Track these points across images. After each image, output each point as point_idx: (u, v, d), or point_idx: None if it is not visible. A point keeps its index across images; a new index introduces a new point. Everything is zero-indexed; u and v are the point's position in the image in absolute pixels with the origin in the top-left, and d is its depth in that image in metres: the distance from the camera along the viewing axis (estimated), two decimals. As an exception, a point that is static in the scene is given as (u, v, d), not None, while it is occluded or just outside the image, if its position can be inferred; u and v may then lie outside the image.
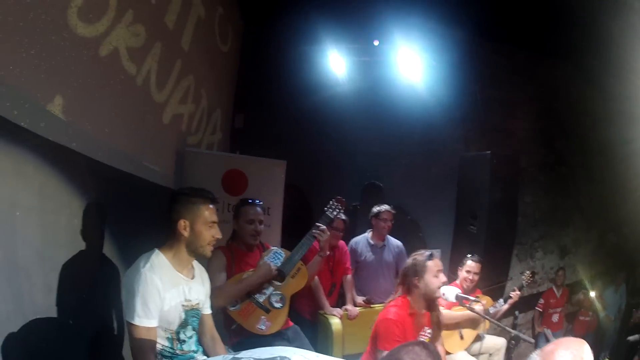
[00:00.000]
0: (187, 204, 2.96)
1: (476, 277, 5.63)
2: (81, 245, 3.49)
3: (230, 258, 4.11)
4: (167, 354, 2.91)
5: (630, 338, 6.38)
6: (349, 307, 5.67)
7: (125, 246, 4.04)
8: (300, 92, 7.57)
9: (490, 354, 5.48)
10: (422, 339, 4.00)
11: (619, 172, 7.75)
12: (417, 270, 3.98)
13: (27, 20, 2.60)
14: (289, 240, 5.53)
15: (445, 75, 7.70)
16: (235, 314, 3.95)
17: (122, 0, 3.69)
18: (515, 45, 8.12)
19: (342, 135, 7.62)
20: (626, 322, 8.22)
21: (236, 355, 1.81)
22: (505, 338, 5.41)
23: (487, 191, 6.90)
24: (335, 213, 4.57)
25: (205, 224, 2.97)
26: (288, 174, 6.06)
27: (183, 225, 2.91)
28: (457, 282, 5.62)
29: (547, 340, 7.71)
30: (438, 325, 4.14)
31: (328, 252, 4.81)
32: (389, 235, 6.19)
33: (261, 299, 4.04)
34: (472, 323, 5.29)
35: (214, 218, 3.03)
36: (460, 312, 5.15)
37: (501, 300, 5.65)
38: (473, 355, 5.25)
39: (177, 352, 2.95)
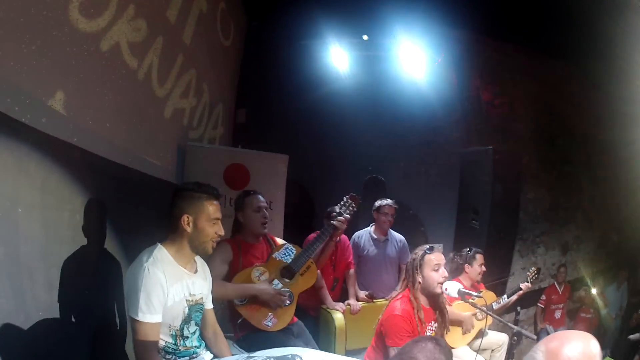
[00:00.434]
0: (191, 199, 2.93)
1: (485, 268, 5.63)
2: (83, 240, 3.49)
3: (238, 251, 4.06)
4: (170, 349, 2.89)
5: (631, 337, 6.37)
6: (352, 301, 5.66)
7: (127, 241, 4.04)
8: (303, 86, 7.56)
9: (493, 350, 5.47)
10: (429, 334, 3.99)
11: (621, 172, 7.75)
12: (416, 265, 3.97)
13: (28, 15, 2.60)
14: (291, 234, 5.54)
15: (448, 71, 7.69)
16: (242, 309, 3.92)
17: (124, -6, 3.69)
18: (518, 44, 8.10)
19: (344, 129, 7.61)
20: (627, 321, 8.22)
21: (251, 355, 1.82)
22: (508, 334, 5.40)
23: (488, 187, 6.90)
24: (348, 212, 4.51)
25: (209, 221, 2.94)
26: (290, 168, 6.06)
27: (186, 221, 2.89)
28: (461, 277, 5.60)
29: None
30: (444, 322, 4.11)
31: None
32: (391, 229, 6.18)
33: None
34: (471, 325, 5.29)
35: (218, 215, 2.99)
36: (463, 313, 5.15)
37: (504, 296, 5.63)
38: (475, 351, 5.24)
39: (180, 347, 2.94)
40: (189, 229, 2.90)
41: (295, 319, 4.26)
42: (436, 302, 4.04)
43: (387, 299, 5.44)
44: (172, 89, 5.15)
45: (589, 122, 8.12)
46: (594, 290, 8.36)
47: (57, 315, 3.12)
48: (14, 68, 2.56)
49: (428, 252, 3.98)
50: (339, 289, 5.85)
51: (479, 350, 5.11)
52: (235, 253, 4.03)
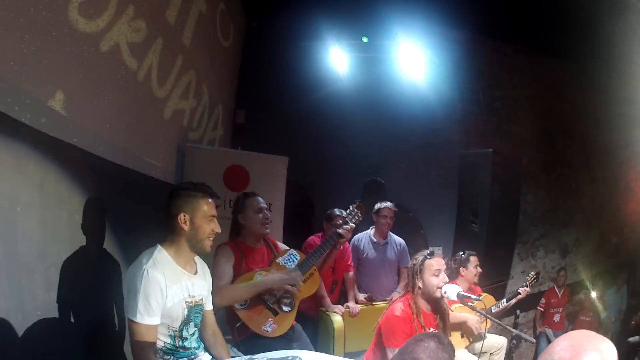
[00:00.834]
0: (187, 198, 2.95)
1: (480, 270, 5.63)
2: (82, 240, 3.49)
3: (240, 255, 4.01)
4: (169, 350, 2.90)
5: (631, 339, 6.37)
6: (351, 304, 5.66)
7: (126, 241, 4.03)
8: (302, 88, 7.56)
9: (491, 353, 5.46)
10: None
11: (621, 173, 7.76)
12: (416, 270, 3.97)
13: (28, 16, 2.60)
14: (290, 235, 5.53)
15: (447, 73, 7.69)
16: (242, 313, 3.87)
17: (124, -5, 3.69)
18: (518, 45, 8.10)
19: (343, 131, 7.62)
20: (627, 324, 8.21)
21: (252, 357, 1.83)
22: (506, 337, 5.40)
23: (488, 189, 6.89)
24: (354, 221, 4.48)
25: (205, 218, 2.95)
26: (289, 170, 6.05)
27: (183, 219, 2.90)
28: (458, 280, 5.59)
29: (549, 341, 7.71)
30: (445, 327, 4.10)
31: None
32: (391, 232, 6.18)
33: (271, 301, 3.97)
34: (471, 332, 5.28)
35: (213, 212, 3.01)
36: (462, 314, 5.14)
37: (504, 300, 5.62)
38: (474, 354, 5.23)
39: (179, 349, 2.94)
40: (186, 227, 2.91)
41: (294, 322, 4.24)
42: (437, 307, 4.03)
43: (387, 301, 5.45)
44: (172, 90, 5.15)
45: (588, 123, 8.12)
46: (593, 294, 8.36)
47: (55, 315, 3.12)
48: (13, 68, 2.56)
49: (428, 257, 3.99)
50: (338, 291, 5.85)
51: (479, 354, 5.11)
52: (238, 256, 3.99)
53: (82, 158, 3.44)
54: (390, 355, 3.70)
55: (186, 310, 2.94)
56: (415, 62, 7.51)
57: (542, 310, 8.24)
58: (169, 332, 2.88)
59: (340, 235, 4.32)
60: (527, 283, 5.75)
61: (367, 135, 7.73)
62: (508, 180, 7.07)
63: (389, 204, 6.03)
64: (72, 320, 3.32)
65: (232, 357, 3.37)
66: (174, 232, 2.95)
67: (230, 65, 7.74)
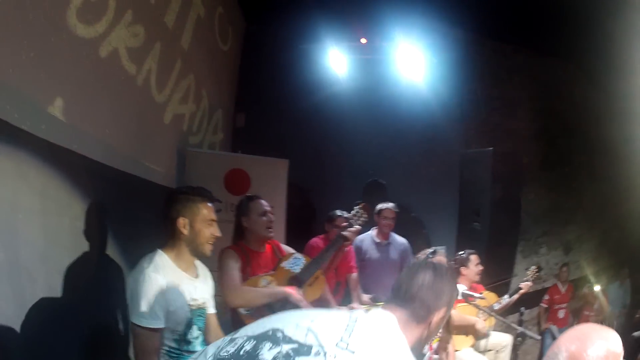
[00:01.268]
0: (186, 202, 2.94)
1: (481, 267, 5.62)
2: (84, 246, 3.49)
3: (245, 259, 3.96)
4: (174, 354, 2.89)
5: (635, 334, 6.35)
6: (355, 305, 5.64)
7: (128, 246, 4.03)
8: (301, 90, 7.56)
9: (497, 351, 5.46)
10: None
11: (622, 169, 7.73)
12: None
13: (26, 22, 2.60)
14: (292, 237, 5.52)
15: (447, 73, 7.68)
16: (248, 317, 3.85)
17: (121, 0, 3.69)
18: (517, 43, 8.10)
19: (344, 133, 7.61)
20: (631, 318, 8.20)
21: (233, 336, 1.78)
22: (512, 334, 5.40)
23: (489, 188, 6.89)
24: (360, 222, 4.46)
25: (204, 222, 2.95)
26: (290, 172, 6.05)
27: (182, 224, 2.89)
28: (462, 279, 5.59)
29: (553, 337, 7.68)
30: (447, 326, 4.09)
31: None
32: (394, 233, 6.18)
33: (277, 306, 3.96)
34: (475, 330, 5.28)
35: (213, 216, 3.01)
36: (471, 317, 5.14)
37: (506, 296, 5.62)
38: (479, 352, 5.23)
39: (184, 352, 2.94)
40: (185, 232, 2.90)
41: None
42: None
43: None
44: (171, 95, 5.16)
45: (588, 120, 8.11)
46: (597, 288, 8.35)
47: (58, 320, 3.11)
48: (12, 75, 2.56)
49: (431, 256, 3.98)
50: (342, 292, 5.84)
51: (484, 351, 5.11)
52: (243, 260, 3.95)
53: (82, 164, 3.44)
54: None
55: (189, 313, 2.93)
56: (414, 63, 7.51)
57: (546, 306, 8.23)
58: (173, 335, 2.87)
59: (346, 238, 4.31)
60: (529, 277, 5.75)
61: (368, 137, 7.73)
62: (509, 179, 7.08)
63: (390, 204, 6.03)
64: (76, 325, 3.32)
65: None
66: (174, 236, 2.94)
67: (230, 68, 7.75)
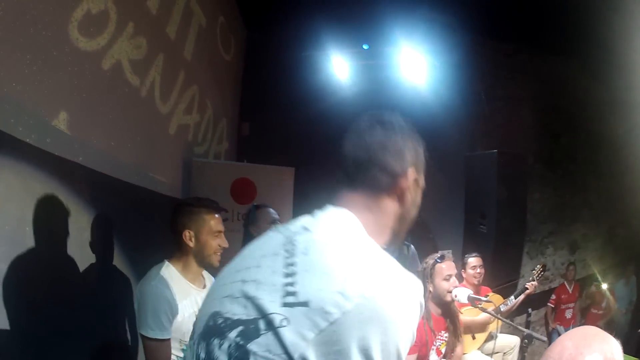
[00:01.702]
0: (191, 214, 2.94)
1: (482, 270, 5.60)
2: (91, 258, 3.50)
3: None
4: (182, 364, 2.90)
5: (642, 330, 6.33)
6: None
7: (135, 257, 4.04)
8: (305, 98, 7.57)
9: (505, 353, 5.45)
10: (438, 343, 3.98)
11: (627, 165, 7.72)
12: (427, 274, 3.96)
13: (27, 36, 2.62)
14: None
15: (449, 75, 7.68)
16: None
17: (122, 13, 3.71)
18: (518, 42, 8.10)
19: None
20: (638, 315, 8.18)
21: (191, 338, 1.39)
22: (519, 336, 5.38)
23: (494, 190, 6.87)
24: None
25: (211, 234, 2.94)
26: (296, 180, 6.06)
27: (188, 236, 2.90)
28: (464, 283, 5.57)
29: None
30: (455, 330, 4.08)
31: None
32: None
33: None
34: (482, 326, 5.26)
35: (220, 227, 3.00)
36: (472, 317, 5.13)
37: (512, 297, 5.60)
38: (487, 355, 5.21)
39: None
40: (191, 244, 2.90)
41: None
42: (447, 311, 4.03)
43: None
44: (176, 105, 5.18)
45: (591, 117, 8.11)
46: (604, 286, 8.33)
47: (67, 332, 3.12)
48: (15, 89, 2.57)
49: (439, 261, 3.98)
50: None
51: (492, 354, 5.10)
52: None
53: (88, 176, 3.45)
54: None
55: (196, 324, 2.94)
56: (416, 67, 7.51)
57: (553, 306, 8.22)
58: (181, 346, 2.88)
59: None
60: (534, 277, 5.73)
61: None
62: (514, 180, 7.05)
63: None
64: (84, 337, 3.33)
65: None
66: (181, 248, 2.95)
67: (233, 78, 7.77)
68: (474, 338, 5.26)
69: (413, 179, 1.46)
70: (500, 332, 5.55)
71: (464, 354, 5.09)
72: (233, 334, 1.17)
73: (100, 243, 3.61)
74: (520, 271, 7.51)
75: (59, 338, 3.00)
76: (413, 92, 7.66)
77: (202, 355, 1.24)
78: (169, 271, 2.88)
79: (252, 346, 1.12)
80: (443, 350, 4.04)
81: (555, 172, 8.49)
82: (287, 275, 1.18)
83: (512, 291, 5.60)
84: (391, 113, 1.54)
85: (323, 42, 7.37)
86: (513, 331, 5.56)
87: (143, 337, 2.72)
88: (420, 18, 6.96)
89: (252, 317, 1.16)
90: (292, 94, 7.59)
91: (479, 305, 4.09)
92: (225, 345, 1.17)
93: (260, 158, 6.60)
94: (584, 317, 8.44)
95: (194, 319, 2.79)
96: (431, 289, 3.92)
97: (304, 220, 1.39)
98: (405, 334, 1.16)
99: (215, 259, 2.99)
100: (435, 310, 3.97)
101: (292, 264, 1.20)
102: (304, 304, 1.11)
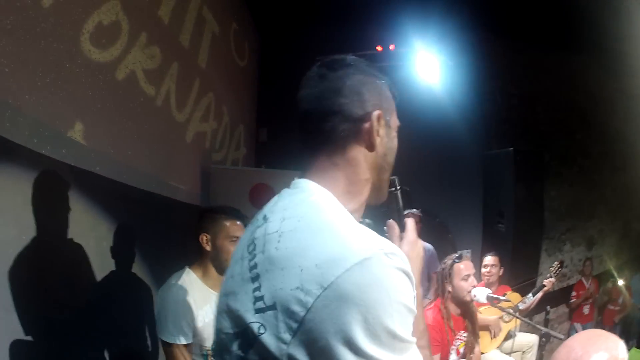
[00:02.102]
0: (210, 219, 2.98)
1: (494, 270, 5.57)
2: (111, 266, 3.53)
3: None
4: (203, 370, 2.92)
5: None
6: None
7: (156, 265, 4.08)
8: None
9: (524, 352, 5.41)
10: (458, 343, 3.97)
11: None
12: (445, 275, 3.96)
13: (38, 49, 2.66)
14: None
15: (463, 75, 7.65)
16: None
17: (134, 23, 3.75)
18: (531, 39, 8.05)
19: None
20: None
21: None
22: (537, 334, 5.34)
23: (512, 188, 6.85)
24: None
25: (227, 238, 2.95)
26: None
27: (205, 240, 2.93)
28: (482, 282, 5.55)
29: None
30: (474, 330, 4.07)
31: None
32: (419, 239, 6.13)
33: None
34: (498, 325, 5.23)
35: (238, 233, 2.96)
36: (489, 317, 5.10)
37: (530, 295, 5.56)
38: (506, 354, 5.18)
39: (212, 368, 2.96)
40: (208, 248, 2.93)
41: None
42: (466, 311, 4.02)
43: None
44: (192, 114, 5.21)
45: (605, 111, 8.08)
46: (620, 282, 8.25)
47: (88, 339, 3.16)
48: (29, 101, 2.61)
49: (457, 261, 3.98)
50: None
51: (510, 353, 5.07)
52: None
53: (105, 186, 3.49)
54: None
55: (216, 330, 2.95)
56: (430, 67, 7.49)
57: (579, 302, 8.17)
58: (201, 351, 2.91)
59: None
60: (552, 273, 5.68)
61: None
62: (531, 178, 7.02)
63: (413, 210, 6.00)
64: (105, 344, 3.36)
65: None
66: (201, 254, 2.99)
67: (249, 84, 7.80)
68: (493, 337, 5.23)
69: (380, 121, 1.32)
70: (519, 331, 5.52)
71: (483, 353, 5.07)
72: (234, 348, 1.14)
73: (120, 251, 3.64)
74: (538, 269, 7.47)
75: (79, 346, 3.04)
76: (428, 93, 7.63)
77: None
78: (190, 277, 2.91)
79: (251, 356, 1.09)
80: (462, 350, 4.02)
81: (571, 168, 8.46)
82: (253, 279, 1.13)
83: (531, 289, 5.56)
84: (344, 55, 1.38)
85: (336, 45, 7.37)
86: (532, 330, 5.53)
87: (163, 342, 2.75)
88: (432, 18, 6.94)
89: (240, 330, 1.13)
90: (307, 99, 7.60)
91: (498, 305, 4.07)
92: (234, 356, 1.14)
93: (278, 163, 6.61)
94: (601, 314, 8.38)
95: (214, 324, 2.82)
96: (450, 289, 3.91)
97: (268, 206, 1.31)
98: (392, 309, 1.01)
99: None
100: (454, 310, 3.96)
101: (254, 267, 1.15)
102: (272, 307, 1.05)
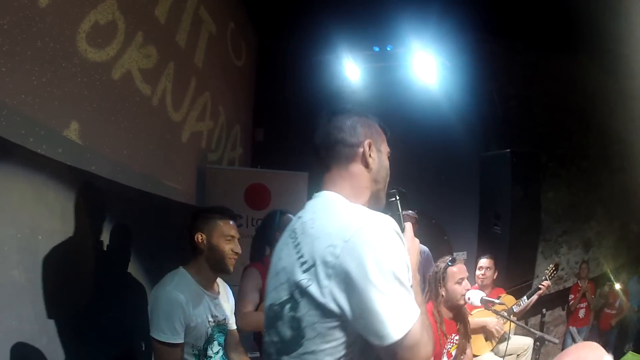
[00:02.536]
0: (204, 219, 2.99)
1: (488, 272, 5.57)
2: (106, 265, 3.53)
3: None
4: (194, 369, 2.92)
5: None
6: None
7: (151, 264, 4.07)
8: (318, 102, 7.56)
9: (518, 355, 5.41)
10: (449, 346, 3.97)
11: (638, 161, 7.67)
12: (439, 278, 3.94)
13: (35, 48, 2.65)
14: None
15: (460, 76, 7.65)
16: None
17: (131, 23, 3.75)
18: (528, 40, 8.06)
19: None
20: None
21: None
22: (532, 337, 5.35)
23: (509, 190, 6.85)
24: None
25: (222, 237, 2.97)
26: (310, 185, 6.05)
27: (200, 239, 2.93)
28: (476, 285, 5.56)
29: (574, 340, 7.62)
30: (466, 332, 4.07)
31: None
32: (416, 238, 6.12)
33: None
34: (490, 332, 5.23)
35: (232, 233, 3.02)
36: (481, 319, 5.09)
37: (524, 298, 5.56)
38: (500, 356, 5.18)
39: (204, 367, 2.97)
40: (203, 247, 2.93)
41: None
42: (458, 314, 4.01)
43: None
44: (188, 113, 5.20)
45: (602, 113, 8.08)
46: (617, 286, 8.25)
47: (81, 338, 3.15)
48: (25, 100, 2.61)
49: (450, 264, 3.96)
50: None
51: (504, 355, 5.06)
52: (265, 280, 3.95)
53: (101, 185, 3.49)
54: None
55: (210, 329, 2.96)
56: (428, 68, 7.50)
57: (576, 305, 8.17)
58: (193, 351, 2.91)
59: None
60: (547, 276, 5.69)
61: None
62: (528, 180, 7.02)
63: (409, 211, 6.00)
64: (98, 343, 3.36)
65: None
66: (195, 253, 2.99)
67: (245, 84, 7.79)
68: (486, 340, 5.23)
69: (371, 147, 1.82)
70: (514, 334, 5.52)
71: (476, 356, 5.06)
72: (286, 312, 1.62)
73: (116, 250, 3.64)
74: (535, 271, 7.48)
75: (73, 345, 3.03)
76: (425, 94, 7.64)
77: (275, 338, 1.68)
78: (184, 277, 2.91)
79: (299, 313, 1.57)
80: (453, 353, 4.01)
81: (568, 169, 8.45)
82: (297, 252, 1.62)
83: (527, 291, 5.57)
84: (344, 104, 1.93)
85: (334, 46, 7.38)
86: (527, 332, 5.53)
87: (155, 340, 2.74)
88: (430, 19, 6.94)
89: (292, 292, 1.60)
90: (305, 99, 7.59)
91: (491, 307, 4.07)
92: (286, 320, 1.62)
93: (274, 163, 6.61)
94: (597, 318, 8.38)
95: (207, 325, 2.82)
96: (443, 293, 3.90)
97: (300, 210, 1.79)
98: (394, 257, 1.49)
99: (228, 264, 3.01)
100: (447, 314, 3.94)
101: (298, 244, 1.64)
102: (313, 265, 1.54)
